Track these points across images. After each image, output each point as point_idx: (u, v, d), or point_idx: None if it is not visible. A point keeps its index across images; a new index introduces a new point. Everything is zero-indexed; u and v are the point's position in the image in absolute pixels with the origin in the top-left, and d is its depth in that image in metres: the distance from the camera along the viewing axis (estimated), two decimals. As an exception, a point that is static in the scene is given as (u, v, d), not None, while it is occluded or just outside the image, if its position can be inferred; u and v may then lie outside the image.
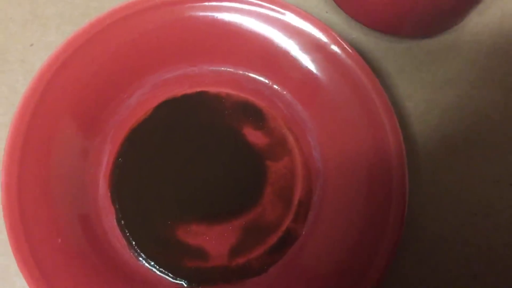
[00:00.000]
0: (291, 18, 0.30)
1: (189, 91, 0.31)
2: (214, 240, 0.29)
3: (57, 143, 0.27)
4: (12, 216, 0.25)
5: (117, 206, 0.29)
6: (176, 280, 0.28)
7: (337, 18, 0.34)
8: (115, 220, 0.28)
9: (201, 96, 0.31)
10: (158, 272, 0.28)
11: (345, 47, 0.29)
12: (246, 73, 0.31)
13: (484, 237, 0.30)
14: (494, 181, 0.31)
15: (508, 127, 0.32)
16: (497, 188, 0.31)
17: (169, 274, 0.28)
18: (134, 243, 0.28)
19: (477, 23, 0.34)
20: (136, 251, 0.28)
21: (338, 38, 0.29)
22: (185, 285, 0.28)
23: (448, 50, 0.34)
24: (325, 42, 0.30)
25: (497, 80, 0.33)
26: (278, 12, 0.30)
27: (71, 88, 0.28)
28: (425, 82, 0.33)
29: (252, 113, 0.31)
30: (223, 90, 0.31)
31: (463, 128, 0.32)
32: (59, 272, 0.25)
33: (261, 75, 0.31)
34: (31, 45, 0.32)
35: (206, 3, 0.30)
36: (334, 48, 0.29)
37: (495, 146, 0.31)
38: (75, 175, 0.28)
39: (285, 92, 0.31)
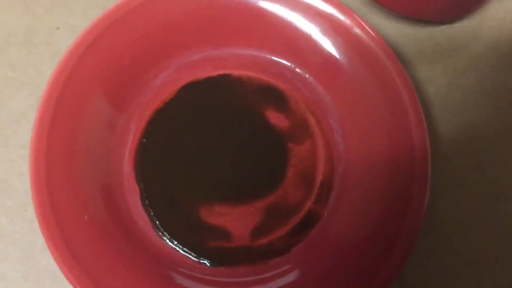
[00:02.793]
0: (313, 1, 0.30)
1: (212, 73, 0.31)
2: (237, 221, 0.29)
3: (85, 119, 0.28)
4: (40, 194, 0.26)
5: (141, 186, 0.29)
6: (200, 259, 0.28)
7: (359, 2, 0.34)
8: (139, 199, 0.29)
9: (224, 79, 0.31)
10: (181, 251, 0.28)
11: (368, 31, 0.29)
12: (268, 56, 0.32)
13: (505, 222, 0.30)
14: (516, 165, 0.31)
15: (530, 112, 0.32)
16: (519, 172, 0.31)
17: (192, 254, 0.28)
18: (158, 222, 0.28)
19: (499, 8, 0.34)
20: (160, 230, 0.28)
21: (361, 21, 0.29)
22: (208, 265, 0.28)
23: (470, 35, 0.34)
24: (348, 25, 0.30)
25: (519, 65, 0.33)
26: (301, -6, 0.30)
27: (98, 67, 0.28)
28: (447, 67, 0.33)
29: (274, 96, 0.31)
30: (246, 72, 0.31)
31: (485, 113, 0.32)
32: (87, 248, 0.26)
33: (283, 58, 0.31)
34: (57, 28, 0.33)
35: (230, -13, 0.30)
36: (357, 31, 0.30)
37: (517, 130, 0.31)
38: (101, 152, 0.28)
39: (307, 75, 0.31)
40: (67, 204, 0.26)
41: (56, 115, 0.27)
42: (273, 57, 0.32)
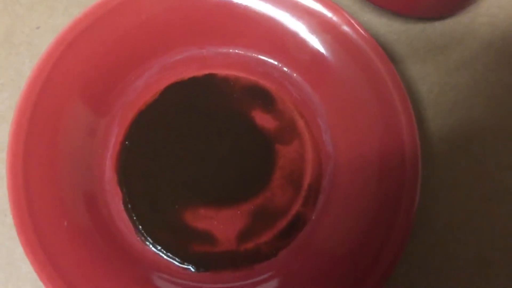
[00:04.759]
0: (300, -2, 0.29)
1: (197, 73, 0.30)
2: (222, 225, 0.28)
3: (64, 124, 0.27)
4: (17, 199, 0.25)
5: (124, 190, 0.28)
6: (184, 264, 0.27)
7: (350, 0, 0.33)
8: (121, 204, 0.28)
9: (210, 79, 0.30)
10: (165, 256, 0.27)
11: (356, 28, 0.29)
12: (255, 55, 0.31)
13: (498, 224, 0.29)
14: (509, 166, 0.30)
15: (525, 110, 0.31)
16: (512, 172, 0.30)
17: (177, 259, 0.27)
18: (141, 227, 0.28)
19: (492, 4, 0.33)
20: (143, 235, 0.28)
21: (349, 18, 0.29)
22: (193, 270, 0.27)
23: (463, 32, 0.33)
24: (335, 23, 0.29)
25: (513, 62, 0.32)
26: (288, -8, 0.29)
27: (78, 68, 0.28)
28: (439, 65, 0.32)
29: (261, 96, 0.30)
30: (232, 72, 0.31)
31: (477, 112, 0.31)
32: (65, 255, 0.25)
33: (270, 57, 0.31)
34: (38, 28, 0.32)
35: (215, -16, 0.29)
36: (345, 28, 0.29)
37: (510, 130, 0.31)
38: (82, 156, 0.28)
39: (294, 75, 0.30)
40: (46, 210, 0.26)
41: (33, 119, 0.26)
42: (260, 56, 0.31)
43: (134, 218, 0.28)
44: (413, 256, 0.28)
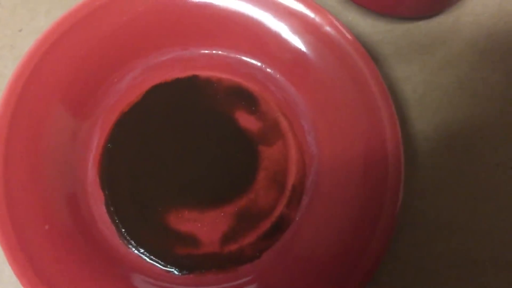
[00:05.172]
0: (282, -2, 0.29)
1: (180, 75, 0.30)
2: (206, 227, 0.28)
3: (46, 127, 0.27)
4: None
5: (106, 192, 0.28)
6: (167, 267, 0.27)
7: (333, 0, 0.33)
8: (104, 206, 0.28)
9: (193, 80, 0.30)
10: (148, 260, 0.27)
11: (339, 28, 0.29)
12: (238, 56, 0.31)
13: (484, 222, 0.29)
14: (495, 164, 0.30)
15: (509, 109, 0.31)
16: (497, 171, 0.30)
17: (160, 262, 0.27)
18: (123, 230, 0.28)
19: (477, 3, 0.33)
20: (126, 238, 0.27)
21: (332, 19, 0.29)
22: (176, 273, 0.27)
23: (448, 31, 0.33)
24: (318, 23, 0.29)
25: (497, 62, 0.32)
26: (270, -7, 0.29)
27: (59, 71, 0.28)
28: (424, 64, 0.32)
29: (244, 97, 0.30)
30: (215, 74, 0.31)
31: (462, 111, 0.31)
32: (47, 259, 0.25)
33: (253, 58, 0.31)
34: (20, 30, 0.32)
35: (197, -14, 0.29)
36: (328, 29, 0.29)
37: (495, 129, 0.31)
38: (65, 159, 0.28)
39: (278, 76, 0.30)
40: (27, 213, 0.26)
41: (14, 123, 0.26)
42: (243, 57, 0.31)
43: (117, 221, 0.28)
44: (398, 255, 0.28)
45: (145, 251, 0.27)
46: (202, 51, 0.31)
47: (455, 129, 0.31)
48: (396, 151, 0.27)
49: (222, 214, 0.28)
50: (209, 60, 0.31)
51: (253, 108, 0.30)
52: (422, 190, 0.30)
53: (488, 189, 0.30)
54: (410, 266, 0.28)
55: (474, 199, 0.30)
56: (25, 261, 0.24)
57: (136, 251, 0.27)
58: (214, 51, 0.31)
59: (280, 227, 0.28)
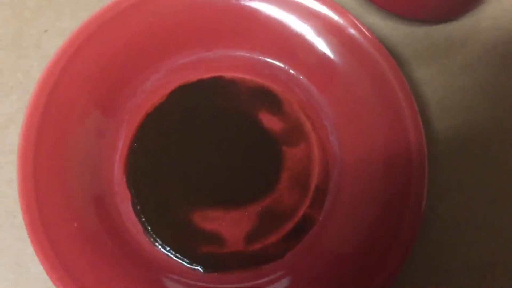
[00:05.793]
0: (307, 0, 0.29)
1: (204, 76, 0.31)
2: (230, 226, 0.28)
3: (74, 126, 0.27)
4: (28, 201, 0.25)
5: (132, 191, 0.28)
6: (193, 265, 0.27)
7: (354, 2, 0.34)
8: (130, 205, 0.28)
9: (217, 81, 0.31)
10: (174, 257, 0.28)
11: (362, 30, 0.29)
12: (262, 57, 0.31)
13: (505, 224, 0.29)
14: (515, 167, 0.30)
15: (529, 112, 0.31)
16: (517, 174, 0.30)
17: (185, 260, 0.28)
18: (150, 228, 0.28)
19: (496, 7, 0.34)
20: (152, 237, 0.28)
21: (355, 21, 0.29)
22: (201, 271, 0.27)
23: (467, 35, 0.33)
24: (341, 25, 0.29)
25: (517, 65, 0.32)
26: (294, -5, 0.29)
27: (87, 71, 0.28)
28: (444, 68, 0.32)
29: (267, 98, 0.30)
30: (239, 75, 0.31)
31: (482, 114, 0.31)
32: (75, 256, 0.25)
33: (277, 59, 0.31)
34: (45, 31, 0.32)
35: (222, -12, 0.30)
36: (351, 31, 0.29)
37: (515, 131, 0.31)
38: (91, 158, 0.28)
39: (301, 77, 0.31)
40: (56, 211, 0.26)
41: (43, 122, 0.26)
42: (267, 59, 0.31)
43: (143, 219, 0.28)
44: (419, 256, 0.29)
45: (171, 249, 0.28)
46: (226, 53, 0.31)
47: (475, 132, 0.31)
48: (419, 154, 0.27)
49: (246, 213, 0.28)
50: (232, 61, 0.31)
51: (277, 109, 0.30)
52: (441, 192, 0.30)
53: (507, 191, 0.30)
54: (430, 266, 0.29)
55: (494, 201, 0.30)
56: (54, 257, 0.25)
57: (162, 249, 0.28)
58: (237, 53, 0.31)
59: (303, 227, 0.28)
